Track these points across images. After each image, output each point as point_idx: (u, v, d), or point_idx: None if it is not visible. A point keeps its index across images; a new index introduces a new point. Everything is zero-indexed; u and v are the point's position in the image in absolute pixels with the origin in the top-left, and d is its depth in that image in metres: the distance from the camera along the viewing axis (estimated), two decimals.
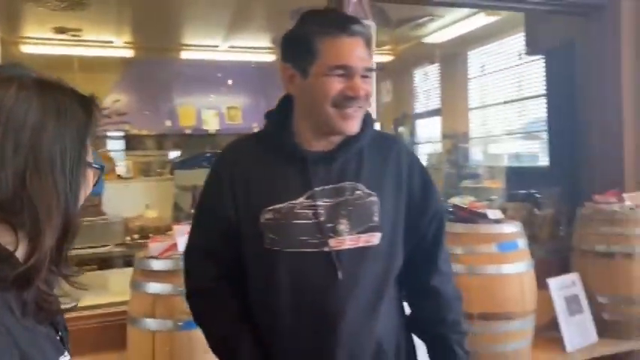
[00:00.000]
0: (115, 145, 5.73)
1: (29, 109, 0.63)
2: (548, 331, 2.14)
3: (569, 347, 2.05)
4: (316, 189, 1.08)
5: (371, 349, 1.09)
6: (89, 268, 3.07)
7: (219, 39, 5.16)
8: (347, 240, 1.07)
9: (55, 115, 0.65)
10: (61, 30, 4.47)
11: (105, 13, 4.16)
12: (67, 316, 0.73)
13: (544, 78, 3.33)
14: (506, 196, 3.72)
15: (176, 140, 6.11)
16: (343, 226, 1.07)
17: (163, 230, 2.89)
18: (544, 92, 3.38)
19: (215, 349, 1.15)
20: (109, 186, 3.68)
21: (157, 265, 1.64)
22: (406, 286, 1.18)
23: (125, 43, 5.14)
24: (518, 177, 3.99)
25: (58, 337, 0.70)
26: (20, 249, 0.63)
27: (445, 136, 6.58)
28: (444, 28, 5.03)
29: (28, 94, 0.64)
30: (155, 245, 1.69)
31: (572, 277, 2.21)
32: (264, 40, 5.10)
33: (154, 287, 1.61)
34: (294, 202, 1.07)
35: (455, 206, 2.06)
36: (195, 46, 5.43)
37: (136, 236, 3.65)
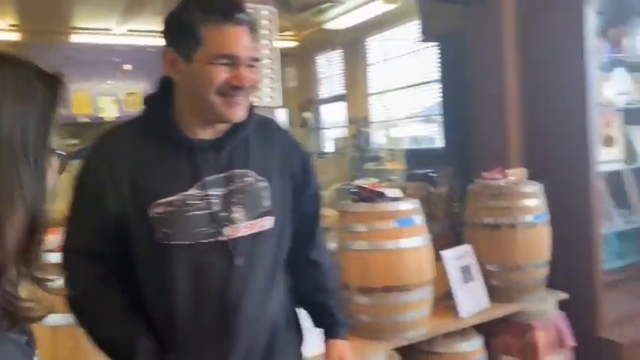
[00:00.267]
0: None
1: None
2: (445, 300, 2.30)
3: (463, 313, 2.22)
4: (207, 178, 1.07)
5: (267, 328, 1.14)
6: None
7: (112, 22, 4.93)
8: (242, 227, 1.08)
9: (13, 92, 0.56)
10: None
11: None
12: None
13: (438, 64, 3.52)
14: (406, 177, 3.92)
15: (72, 129, 5.78)
16: (237, 214, 1.08)
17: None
18: (438, 78, 3.57)
19: (110, 353, 1.09)
20: None
21: (54, 258, 1.57)
22: (288, 261, 1.23)
23: (11, 26, 4.77)
24: (417, 158, 4.19)
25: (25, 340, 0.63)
26: None
27: (350, 121, 6.77)
28: (344, 14, 5.16)
29: None
30: (52, 238, 1.61)
31: (465, 249, 2.39)
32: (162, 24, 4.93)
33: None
34: (185, 193, 1.06)
35: (357, 187, 2.15)
36: (86, 29, 5.15)
37: None
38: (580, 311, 2.55)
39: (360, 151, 6.41)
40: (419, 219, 2.07)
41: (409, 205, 2.05)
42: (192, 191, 1.06)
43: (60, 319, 1.52)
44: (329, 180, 5.17)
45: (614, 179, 3.04)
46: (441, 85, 3.52)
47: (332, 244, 2.15)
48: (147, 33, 5.37)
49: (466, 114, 3.07)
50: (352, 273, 2.05)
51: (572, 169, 2.64)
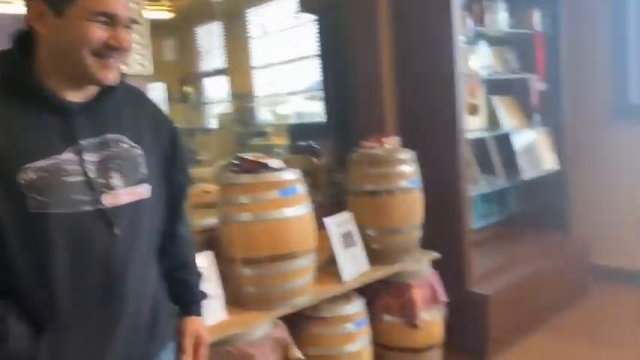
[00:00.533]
0: None
1: None
2: (329, 266, 2.37)
3: (345, 277, 2.30)
4: (82, 142, 1.01)
5: (150, 299, 1.12)
6: None
7: None
8: (121, 195, 1.03)
9: None
10: None
11: None
12: None
13: (317, 37, 3.55)
14: (289, 150, 3.95)
15: None
16: (116, 180, 1.03)
17: None
18: (318, 52, 3.61)
19: None
20: None
21: None
22: None
23: None
24: (301, 132, 4.23)
25: None
26: None
27: (234, 95, 6.66)
28: None
29: None
30: None
31: (346, 216, 2.46)
32: None
33: None
34: (59, 157, 0.98)
35: (239, 158, 2.12)
36: None
37: None
38: (451, 268, 2.75)
39: (245, 126, 6.35)
40: (301, 188, 2.09)
41: (291, 175, 2.07)
42: (66, 156, 0.98)
43: None
44: (213, 156, 5.06)
45: (479, 146, 3.29)
46: (320, 59, 3.56)
47: (215, 219, 2.12)
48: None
49: (345, 87, 3.14)
50: (237, 245, 2.03)
51: (442, 136, 2.81)
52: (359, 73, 3.04)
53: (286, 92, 6.06)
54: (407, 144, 2.66)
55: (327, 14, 3.26)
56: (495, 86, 3.41)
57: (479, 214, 3.35)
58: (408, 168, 2.51)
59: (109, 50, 0.99)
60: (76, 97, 1.02)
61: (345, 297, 2.31)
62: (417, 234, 2.58)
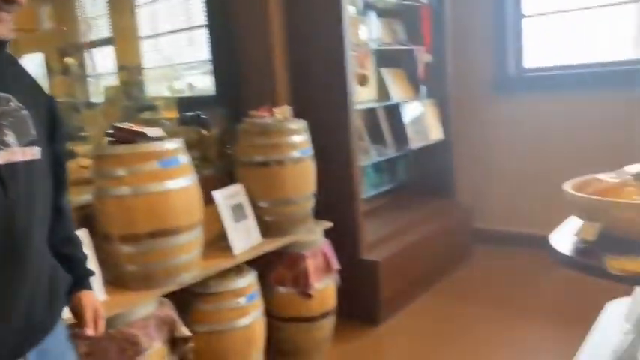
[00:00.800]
0: None
1: None
2: (220, 241, 2.29)
3: (236, 250, 2.24)
4: None
5: (48, 267, 1.06)
6: None
7: None
8: (17, 153, 0.95)
9: None
10: None
11: None
12: None
13: (205, 7, 3.39)
14: (178, 122, 3.78)
15: None
16: (10, 138, 0.95)
17: None
18: (207, 21, 3.45)
19: None
20: None
21: None
22: None
23: None
24: (192, 105, 4.07)
25: None
26: None
27: (121, 67, 6.26)
28: None
29: None
30: None
31: (236, 188, 2.39)
32: None
33: None
34: None
35: (115, 127, 1.96)
36: None
37: None
38: (344, 237, 2.79)
39: (134, 100, 6.01)
40: (184, 158, 1.99)
41: (173, 145, 1.95)
42: None
43: None
44: (99, 132, 4.73)
45: (370, 116, 3.34)
46: (209, 29, 3.42)
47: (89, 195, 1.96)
48: None
49: (236, 57, 3.04)
50: (114, 222, 1.90)
51: (333, 106, 2.81)
52: (250, 43, 2.95)
53: (176, 63, 5.80)
54: (299, 114, 2.62)
55: None
56: (385, 58, 3.46)
57: (370, 184, 3.42)
58: (299, 138, 2.48)
59: (4, 3, 0.90)
60: None
61: (237, 271, 2.26)
62: (309, 204, 2.57)
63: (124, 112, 6.01)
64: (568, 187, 1.33)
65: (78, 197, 2.14)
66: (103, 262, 1.90)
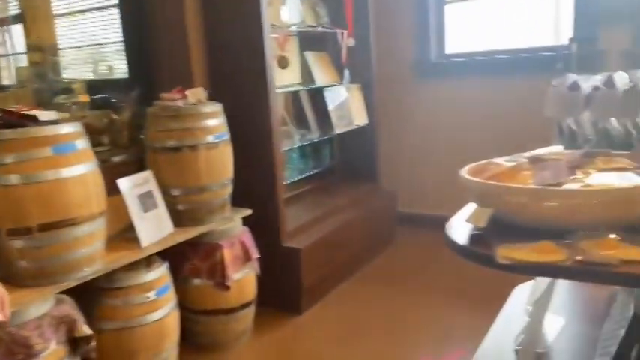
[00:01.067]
0: None
1: None
2: (128, 233, 2.15)
3: (144, 242, 2.11)
4: None
5: None
6: None
7: None
8: None
9: None
10: None
11: None
12: None
13: None
14: (88, 107, 3.55)
15: None
16: None
17: None
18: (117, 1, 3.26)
19: None
20: None
21: None
22: None
23: None
24: (106, 88, 3.84)
25: None
26: None
27: (33, 47, 5.83)
28: None
29: None
30: None
31: (145, 175, 2.25)
32: None
33: None
34: None
35: (2, 110, 1.78)
36: None
37: None
38: (265, 225, 2.71)
39: (48, 82, 5.62)
40: (82, 144, 1.83)
41: (69, 129, 1.79)
42: None
43: None
44: None
45: (294, 100, 3.26)
46: (121, 8, 3.22)
47: None
48: None
49: (150, 38, 2.87)
50: (2, 214, 1.72)
51: (252, 89, 2.70)
52: (163, 22, 2.79)
53: (94, 44, 5.46)
54: (218, 97, 2.50)
55: None
56: (309, 41, 3.38)
57: (294, 169, 3.35)
58: (213, 121, 2.36)
59: None
60: None
61: (146, 264, 2.13)
62: (226, 191, 2.46)
63: (37, 95, 5.62)
64: (464, 171, 1.31)
65: None
66: None
